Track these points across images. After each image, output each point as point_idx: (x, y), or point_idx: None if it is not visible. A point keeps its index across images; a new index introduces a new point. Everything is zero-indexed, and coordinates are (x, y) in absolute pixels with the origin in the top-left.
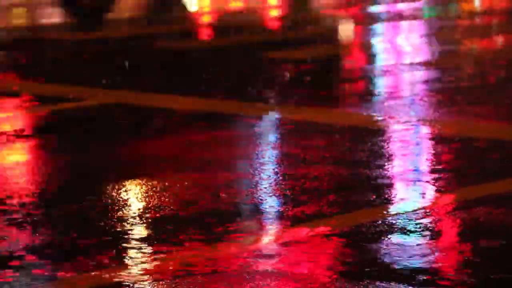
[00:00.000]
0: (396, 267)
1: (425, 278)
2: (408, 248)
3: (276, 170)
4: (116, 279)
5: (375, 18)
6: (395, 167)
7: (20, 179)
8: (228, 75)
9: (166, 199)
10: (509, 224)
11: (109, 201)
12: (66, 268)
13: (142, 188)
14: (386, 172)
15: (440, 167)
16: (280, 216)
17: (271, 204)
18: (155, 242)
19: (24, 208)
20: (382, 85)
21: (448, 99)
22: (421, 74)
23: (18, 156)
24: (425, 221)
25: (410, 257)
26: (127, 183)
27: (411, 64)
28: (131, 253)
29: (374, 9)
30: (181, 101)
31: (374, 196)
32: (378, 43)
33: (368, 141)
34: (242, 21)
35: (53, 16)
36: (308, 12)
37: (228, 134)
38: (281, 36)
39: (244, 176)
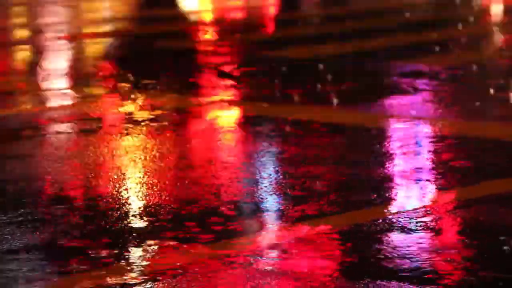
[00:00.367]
0: (397, 266)
1: (425, 277)
2: (408, 247)
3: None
4: (116, 279)
5: None
6: (396, 166)
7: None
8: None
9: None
10: (509, 224)
11: (110, 199)
12: (66, 268)
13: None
14: (386, 171)
15: (440, 166)
16: (281, 215)
17: (271, 203)
18: (156, 241)
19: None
20: None
21: (448, 98)
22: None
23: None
24: (425, 220)
25: (411, 256)
26: (127, 182)
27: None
28: (131, 252)
29: None
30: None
31: (374, 195)
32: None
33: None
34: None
35: None
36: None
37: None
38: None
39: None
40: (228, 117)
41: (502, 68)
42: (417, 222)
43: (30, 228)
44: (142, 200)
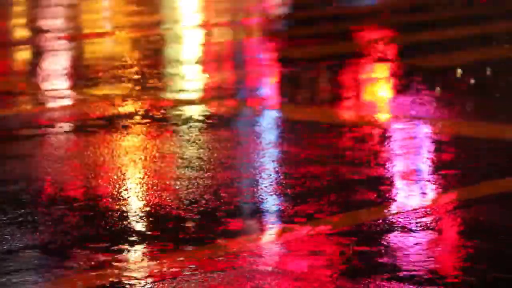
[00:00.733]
0: (397, 266)
1: (425, 277)
2: (408, 247)
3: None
4: (116, 279)
5: None
6: (396, 166)
7: None
8: None
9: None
10: (509, 224)
11: (110, 200)
12: (66, 268)
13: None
14: (386, 171)
15: (440, 166)
16: (281, 215)
17: (271, 203)
18: (155, 241)
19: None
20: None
21: (449, 98)
22: (421, 73)
23: None
24: (425, 220)
25: (411, 256)
26: (127, 182)
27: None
28: (131, 252)
29: None
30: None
31: (375, 195)
32: None
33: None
34: None
35: None
36: None
37: None
38: None
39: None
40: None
41: None
42: (417, 222)
43: (30, 228)
44: (142, 200)
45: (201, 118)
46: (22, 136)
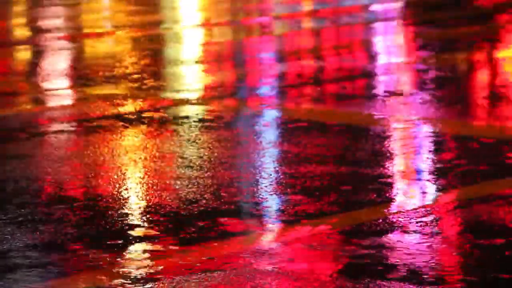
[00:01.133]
0: (397, 265)
1: (425, 276)
2: (409, 246)
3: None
4: (116, 278)
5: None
6: (396, 165)
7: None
8: None
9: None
10: (510, 223)
11: (110, 199)
12: (66, 267)
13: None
14: (387, 170)
15: (441, 165)
16: (281, 215)
17: (272, 202)
18: (155, 241)
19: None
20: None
21: (449, 98)
22: (421, 72)
23: None
24: (426, 219)
25: (411, 255)
26: (127, 181)
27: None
28: (131, 252)
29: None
30: None
31: (375, 195)
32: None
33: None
34: None
35: None
36: None
37: None
38: None
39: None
40: None
41: None
42: (417, 222)
43: (30, 228)
44: (142, 200)
45: (201, 117)
46: (22, 135)
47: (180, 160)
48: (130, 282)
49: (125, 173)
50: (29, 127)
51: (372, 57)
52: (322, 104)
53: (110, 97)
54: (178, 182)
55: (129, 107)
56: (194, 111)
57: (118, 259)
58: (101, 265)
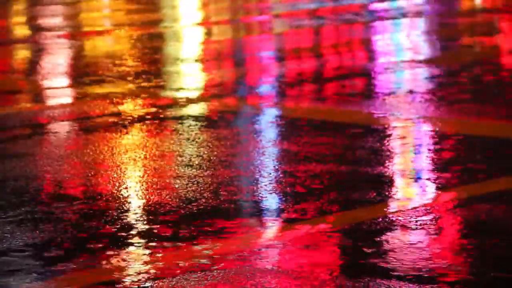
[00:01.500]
0: (397, 264)
1: (425, 275)
2: (408, 245)
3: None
4: (116, 277)
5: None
6: (396, 164)
7: None
8: None
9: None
10: (510, 222)
11: (110, 198)
12: (65, 266)
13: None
14: (386, 169)
15: (440, 164)
16: (281, 213)
17: (271, 201)
18: (155, 240)
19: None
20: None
21: (449, 97)
22: (422, 71)
23: None
24: (425, 218)
25: (411, 254)
26: (127, 180)
27: (412, 61)
28: (131, 250)
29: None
30: None
31: (375, 194)
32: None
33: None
34: None
35: None
36: None
37: None
38: None
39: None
40: None
41: None
42: (417, 221)
43: (30, 226)
44: (142, 198)
45: (201, 116)
46: (22, 134)
47: (179, 158)
48: (129, 280)
49: (124, 171)
50: (29, 125)
51: (371, 55)
52: (322, 103)
53: (110, 96)
54: (178, 181)
55: (128, 105)
56: (193, 110)
57: (118, 258)
58: (101, 263)
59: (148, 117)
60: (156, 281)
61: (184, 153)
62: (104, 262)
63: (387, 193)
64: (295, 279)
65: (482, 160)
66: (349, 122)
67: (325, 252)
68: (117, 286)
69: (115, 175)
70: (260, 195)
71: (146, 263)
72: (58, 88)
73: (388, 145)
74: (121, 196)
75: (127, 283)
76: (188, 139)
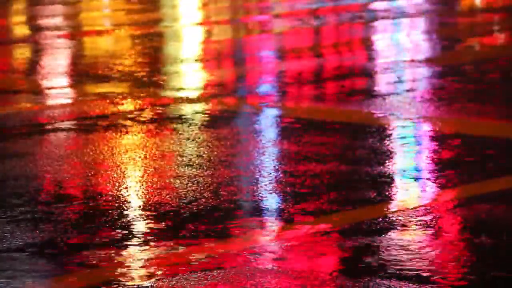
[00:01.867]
0: (397, 264)
1: (425, 275)
2: (408, 245)
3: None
4: (116, 277)
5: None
6: (396, 164)
7: None
8: None
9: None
10: (510, 222)
11: (110, 198)
12: (65, 266)
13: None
14: (386, 169)
15: (440, 164)
16: (281, 213)
17: (271, 201)
18: (155, 240)
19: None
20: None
21: (449, 97)
22: (422, 71)
23: None
24: (425, 218)
25: (411, 254)
26: (127, 180)
27: (412, 61)
28: (131, 250)
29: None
30: None
31: (375, 194)
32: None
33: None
34: None
35: None
36: None
37: None
38: None
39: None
40: None
41: None
42: (417, 221)
43: (29, 226)
44: (142, 198)
45: (200, 116)
46: (22, 134)
47: (179, 158)
48: (129, 280)
49: (124, 171)
50: (29, 125)
51: (371, 55)
52: (322, 102)
53: (110, 95)
54: (178, 181)
55: (128, 105)
56: (193, 110)
57: (118, 258)
58: (101, 263)
59: (148, 117)
60: (156, 281)
61: (184, 153)
62: (104, 262)
63: (387, 193)
64: (295, 278)
65: (482, 160)
66: (349, 122)
67: (325, 252)
68: (117, 286)
69: (115, 175)
70: (260, 195)
71: (146, 263)
72: (58, 88)
73: (388, 145)
74: (121, 196)
75: (127, 283)
76: (188, 139)
